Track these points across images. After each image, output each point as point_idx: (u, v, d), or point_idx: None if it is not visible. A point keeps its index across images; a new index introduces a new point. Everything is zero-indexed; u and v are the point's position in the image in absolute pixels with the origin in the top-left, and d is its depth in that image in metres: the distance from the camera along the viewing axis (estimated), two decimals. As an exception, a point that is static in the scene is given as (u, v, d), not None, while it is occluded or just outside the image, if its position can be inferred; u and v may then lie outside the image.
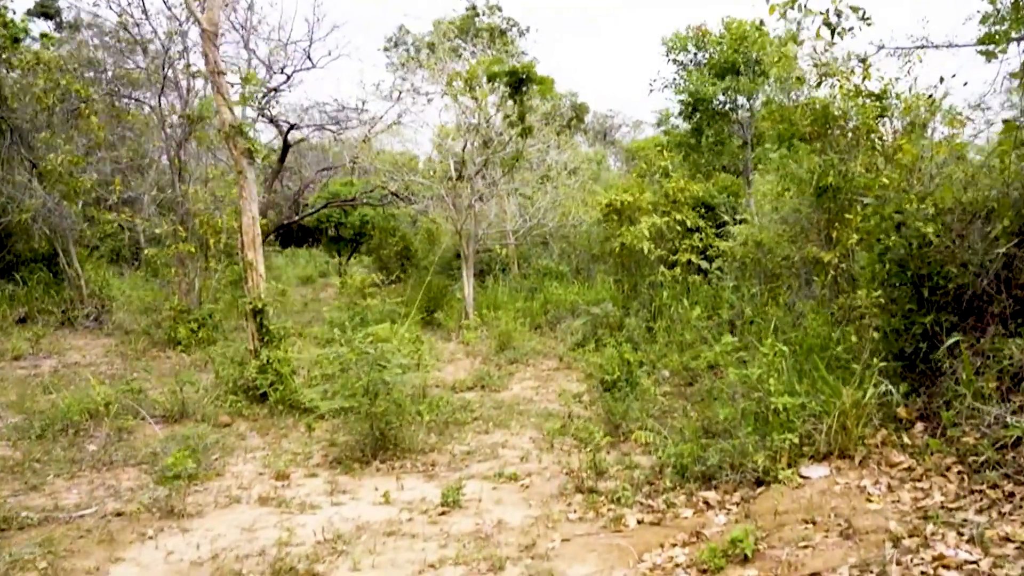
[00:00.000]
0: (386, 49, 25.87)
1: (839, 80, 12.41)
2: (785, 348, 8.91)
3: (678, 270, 16.81)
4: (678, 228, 17.06)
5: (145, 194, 20.52)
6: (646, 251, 16.48)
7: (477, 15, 26.67)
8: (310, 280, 31.15)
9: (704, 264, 17.36)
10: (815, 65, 12.58)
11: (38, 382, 15.14)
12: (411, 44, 24.79)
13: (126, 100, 21.05)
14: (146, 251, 19.29)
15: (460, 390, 14.60)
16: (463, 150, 19.89)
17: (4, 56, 20.92)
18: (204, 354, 16.13)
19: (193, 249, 18.85)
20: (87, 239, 25.00)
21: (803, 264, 13.45)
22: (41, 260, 23.28)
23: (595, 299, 19.47)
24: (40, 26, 35.65)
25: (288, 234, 36.89)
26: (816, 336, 10.41)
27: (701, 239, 17.30)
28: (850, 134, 12.60)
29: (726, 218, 18.14)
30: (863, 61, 12.25)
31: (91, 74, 22.56)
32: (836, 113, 12.57)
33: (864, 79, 12.35)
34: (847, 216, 11.86)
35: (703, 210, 18.31)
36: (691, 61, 19.95)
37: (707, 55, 19.50)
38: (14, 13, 21.69)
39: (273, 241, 32.68)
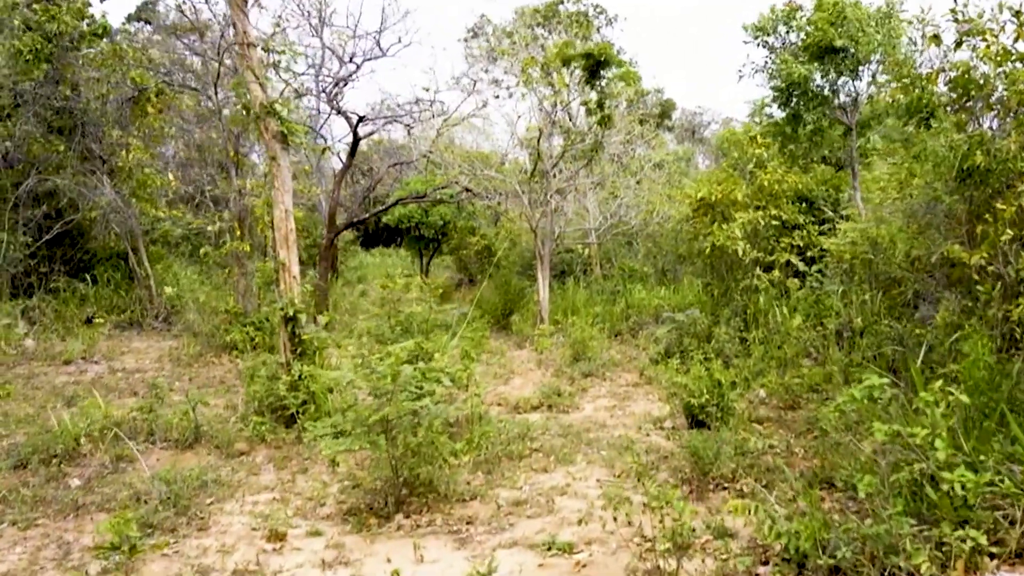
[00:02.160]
0: (466, 40, 23.28)
1: (986, 39, 9.23)
2: (964, 398, 5.65)
3: (776, 273, 13.68)
4: (775, 225, 13.89)
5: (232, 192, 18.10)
6: (740, 252, 13.38)
7: (561, 1, 23.82)
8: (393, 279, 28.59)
9: (802, 266, 14.21)
10: (955, 21, 9.41)
11: (72, 391, 12.82)
12: (491, 34, 22.13)
13: (183, 89, 18.63)
14: (202, 250, 16.87)
15: (524, 410, 11.77)
16: (538, 141, 17.02)
17: (82, 51, 18.86)
18: (258, 361, 13.53)
19: (249, 247, 16.39)
20: (170, 237, 22.91)
21: (935, 267, 10.28)
22: (114, 259, 21.15)
23: (681, 304, 16.41)
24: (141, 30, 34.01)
25: (376, 234, 34.60)
26: (983, 368, 7.21)
27: (802, 237, 14.12)
28: (997, 106, 9.42)
29: (829, 213, 14.96)
30: (1017, 15, 9.08)
31: (180, 74, 20.45)
32: (980, 80, 9.38)
33: (1017, 38, 9.16)
34: (998, 206, 8.69)
35: (803, 205, 15.12)
36: (781, 43, 16.64)
37: (799, 35, 16.13)
38: (104, 14, 19.61)
39: (353, 241, 30.36)
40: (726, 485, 8.20)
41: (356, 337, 12.15)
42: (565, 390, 12.64)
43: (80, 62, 18.83)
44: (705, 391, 10.21)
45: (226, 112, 17.02)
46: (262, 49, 11.94)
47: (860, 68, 15.82)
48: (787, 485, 7.80)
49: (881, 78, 15.58)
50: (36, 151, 19.57)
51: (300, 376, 10.50)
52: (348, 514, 7.76)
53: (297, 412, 10.36)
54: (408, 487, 7.93)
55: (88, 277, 20.29)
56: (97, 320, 17.77)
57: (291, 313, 10.89)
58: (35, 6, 18.10)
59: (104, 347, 16.65)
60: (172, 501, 7.92)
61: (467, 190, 19.20)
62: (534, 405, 11.92)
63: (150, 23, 34.90)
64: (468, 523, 7.49)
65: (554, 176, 17.62)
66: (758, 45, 16.99)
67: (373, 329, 11.66)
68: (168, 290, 19.07)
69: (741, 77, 17.04)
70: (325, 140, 20.08)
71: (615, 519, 6.39)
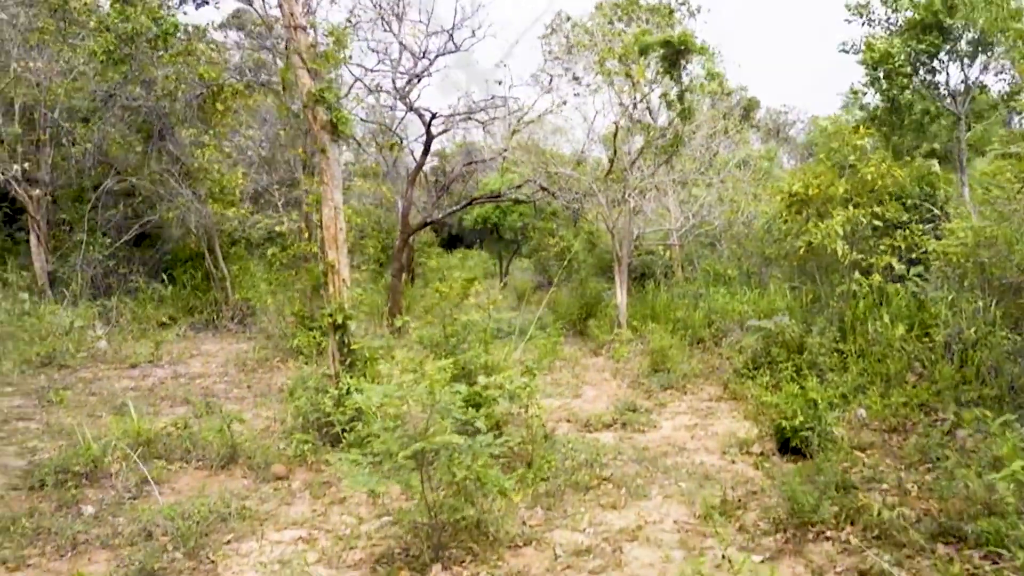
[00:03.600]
0: (544, 36, 21.78)
1: None
2: None
3: (876, 277, 11.83)
4: (876, 224, 12.02)
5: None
6: (840, 254, 11.56)
7: (644, -6, 22.10)
8: (474, 281, 27.22)
9: (900, 267, 12.32)
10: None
11: (125, 399, 11.70)
12: (570, 29, 20.60)
13: (257, 86, 17.47)
14: (269, 251, 15.66)
15: (595, 428, 10.21)
16: (615, 137, 15.40)
17: (159, 52, 17.91)
18: (305, 371, 12.22)
19: (318, 248, 15.14)
20: (252, 238, 21.91)
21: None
22: (192, 259, 20.24)
23: (768, 310, 14.57)
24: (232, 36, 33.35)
25: (459, 235, 33.36)
26: None
27: (904, 238, 12.21)
28: None
29: (935, 211, 13.05)
30: None
31: (264, 74, 19.42)
32: None
33: None
34: None
35: (908, 201, 13.16)
36: (888, 20, 14.62)
37: (906, 13, 14.08)
38: (174, 14, 18.68)
39: (433, 243, 29.08)
40: (828, 534, 6.53)
41: (408, 348, 10.74)
42: (642, 405, 11.06)
43: (156, 62, 17.95)
44: (799, 412, 8.56)
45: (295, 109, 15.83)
46: (335, 42, 10.59)
47: (972, 51, 13.77)
48: (904, 536, 6.16)
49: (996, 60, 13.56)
50: (115, 152, 18.84)
51: (348, 390, 9.13)
52: (379, 562, 6.32)
53: (343, 430, 8.99)
54: (452, 528, 6.47)
55: (166, 278, 19.47)
56: (166, 321, 16.87)
57: (340, 320, 9.55)
58: (112, 7, 17.26)
59: (176, 349, 15.68)
60: (183, 539, 6.59)
61: (543, 189, 17.67)
62: (606, 423, 10.36)
63: (243, 28, 34.27)
64: (517, 580, 5.99)
65: (633, 174, 15.98)
66: (862, 23, 14.96)
67: (426, 339, 10.21)
68: (237, 294, 18.12)
69: (843, 50, 15.04)
70: (401, 139, 18.74)
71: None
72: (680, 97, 14.42)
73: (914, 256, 12.49)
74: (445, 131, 18.59)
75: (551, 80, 17.41)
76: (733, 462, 8.72)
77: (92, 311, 16.76)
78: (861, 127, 12.61)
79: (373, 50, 16.95)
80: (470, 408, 6.84)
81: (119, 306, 17.64)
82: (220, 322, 18.36)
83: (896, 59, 13.71)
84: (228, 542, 6.80)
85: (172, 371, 14.13)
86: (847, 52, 15.09)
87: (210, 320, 18.46)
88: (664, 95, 14.96)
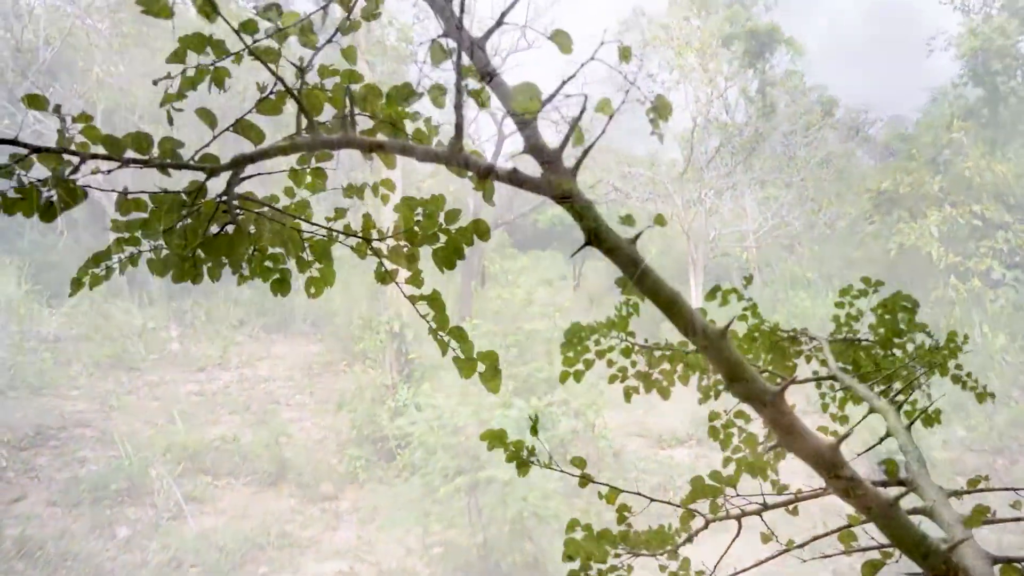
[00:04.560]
0: (620, 33, 20.81)
1: None
2: None
3: (976, 282, 10.63)
4: (975, 224, 10.82)
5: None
6: (934, 257, 10.41)
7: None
8: (547, 283, 26.52)
9: (998, 268, 11.07)
10: None
11: (185, 405, 11.17)
12: (645, 26, 19.64)
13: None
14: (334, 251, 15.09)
15: (668, 444, 9.27)
16: (692, 133, 14.39)
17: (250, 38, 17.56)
18: (363, 381, 11.49)
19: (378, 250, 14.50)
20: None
21: None
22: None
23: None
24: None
25: (535, 236, 32.57)
26: None
27: (1007, 239, 10.97)
28: None
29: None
30: None
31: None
32: None
33: None
34: None
35: (1011, 199, 11.89)
36: (983, 5, 13.22)
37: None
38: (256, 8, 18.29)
39: (506, 244, 28.37)
40: (936, 583, 5.50)
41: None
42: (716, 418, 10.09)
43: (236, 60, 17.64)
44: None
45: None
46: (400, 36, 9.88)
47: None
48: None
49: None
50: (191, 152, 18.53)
51: (405, 403, 8.38)
52: (423, 604, 5.51)
53: (398, 446, 8.22)
54: (506, 567, 5.62)
55: (241, 278, 19.07)
56: (236, 324, 16.45)
57: (397, 327, 8.79)
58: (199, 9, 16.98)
59: (245, 352, 15.19)
60: (213, 572, 5.87)
61: (616, 189, 16.78)
62: (680, 438, 9.40)
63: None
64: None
65: (709, 173, 14.95)
66: (954, 9, 13.61)
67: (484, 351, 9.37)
68: (307, 294, 17.66)
69: (931, 51, 13.70)
70: (472, 140, 18.02)
71: None
72: (761, 92, 13.36)
73: (1018, 259, 11.25)
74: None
75: (625, 78, 16.47)
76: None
77: (167, 313, 16.44)
78: (955, 121, 11.40)
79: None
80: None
81: (194, 308, 17.29)
82: (292, 324, 17.88)
83: (1008, 39, 12.33)
84: (263, 575, 6.07)
85: (239, 375, 13.61)
86: (933, 49, 13.66)
87: (281, 321, 18.00)
88: (744, 90, 13.92)
